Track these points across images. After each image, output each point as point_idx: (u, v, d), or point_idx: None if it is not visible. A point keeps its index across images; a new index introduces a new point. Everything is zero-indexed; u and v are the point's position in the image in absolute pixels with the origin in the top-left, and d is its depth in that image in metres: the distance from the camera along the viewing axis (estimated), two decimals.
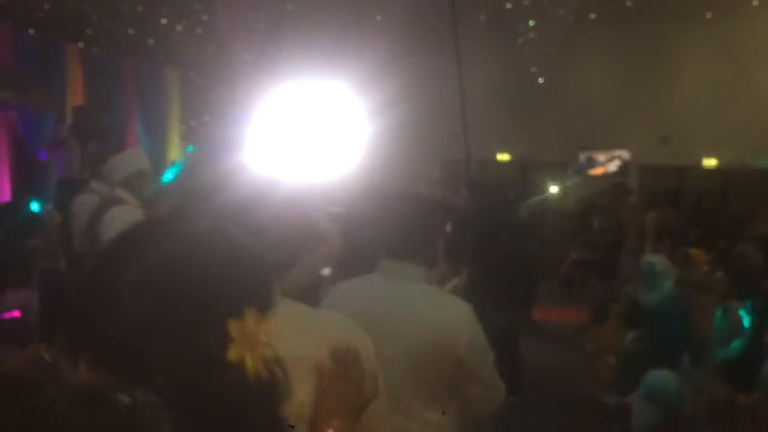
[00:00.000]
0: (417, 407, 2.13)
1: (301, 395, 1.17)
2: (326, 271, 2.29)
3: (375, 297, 2.18)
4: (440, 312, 2.19)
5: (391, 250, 2.24)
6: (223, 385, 0.77)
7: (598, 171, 13.44)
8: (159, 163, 9.82)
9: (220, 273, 0.82)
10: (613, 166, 13.40)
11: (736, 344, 4.02)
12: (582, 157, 13.48)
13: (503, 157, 13.72)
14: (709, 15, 11.45)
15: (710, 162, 12.76)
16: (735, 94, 12.13)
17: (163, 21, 9.73)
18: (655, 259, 5.05)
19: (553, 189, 12.36)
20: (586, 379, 6.00)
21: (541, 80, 9.56)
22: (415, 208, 2.31)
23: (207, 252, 0.84)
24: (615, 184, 11.95)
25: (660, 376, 4.04)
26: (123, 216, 3.87)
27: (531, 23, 8.94)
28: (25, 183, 7.31)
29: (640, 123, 12.53)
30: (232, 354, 0.77)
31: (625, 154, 13.29)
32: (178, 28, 9.92)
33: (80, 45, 9.31)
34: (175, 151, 10.55)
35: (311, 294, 1.68)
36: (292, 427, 1.10)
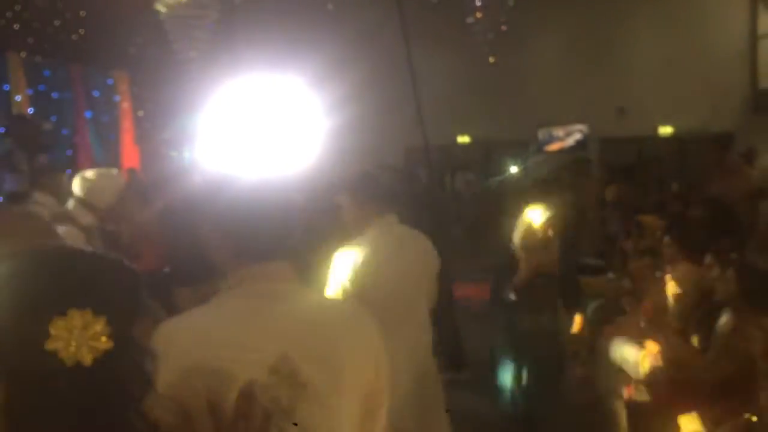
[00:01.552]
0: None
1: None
2: None
3: (393, 239, 3.14)
4: (425, 240, 3.32)
5: (382, 211, 3.13)
6: (45, 373, 0.97)
7: (555, 146, 13.52)
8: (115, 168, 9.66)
9: (43, 278, 1.03)
10: (571, 141, 13.50)
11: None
12: (541, 133, 13.55)
13: (463, 139, 13.74)
14: None
15: (666, 130, 12.93)
16: (687, 61, 12.29)
17: (107, 24, 9.54)
18: None
19: (514, 167, 12.44)
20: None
21: (492, 59, 9.56)
22: (394, 176, 3.62)
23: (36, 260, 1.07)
24: (575, 158, 12.06)
25: (615, 342, 4.07)
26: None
27: (478, 2, 8.90)
28: None
29: (596, 96, 12.62)
30: (47, 345, 0.96)
31: (583, 127, 13.39)
32: (124, 30, 9.73)
33: (22, 54, 9.09)
34: (130, 157, 10.38)
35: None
36: (295, 424, 1.33)
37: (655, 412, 3.44)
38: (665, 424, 3.38)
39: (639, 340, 3.98)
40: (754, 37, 12.58)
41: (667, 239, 4.38)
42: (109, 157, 10.06)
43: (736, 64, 12.51)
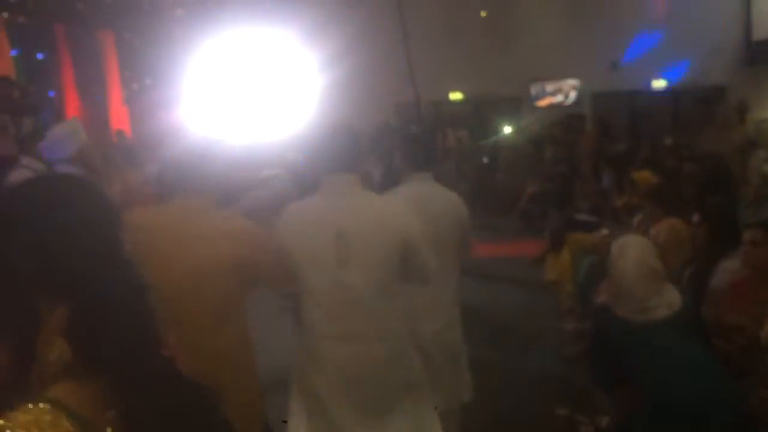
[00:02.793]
0: None
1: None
2: None
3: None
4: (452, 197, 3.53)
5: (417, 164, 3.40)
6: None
7: (548, 102, 13.41)
8: (102, 130, 9.55)
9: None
10: (561, 96, 13.39)
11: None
12: (534, 89, 13.43)
13: (456, 95, 13.62)
14: None
15: (660, 84, 12.84)
16: (681, 14, 12.15)
17: None
18: None
19: (508, 124, 12.37)
20: (546, 308, 6.09)
21: (483, 14, 9.41)
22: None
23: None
24: (569, 114, 11.99)
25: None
26: None
27: None
28: None
29: (589, 50, 12.49)
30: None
31: (576, 82, 13.28)
32: None
33: (5, 15, 8.88)
34: (118, 117, 10.25)
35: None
36: None
37: None
38: None
39: None
40: None
41: (647, 203, 4.39)
42: (97, 117, 9.93)
43: (730, 17, 12.36)
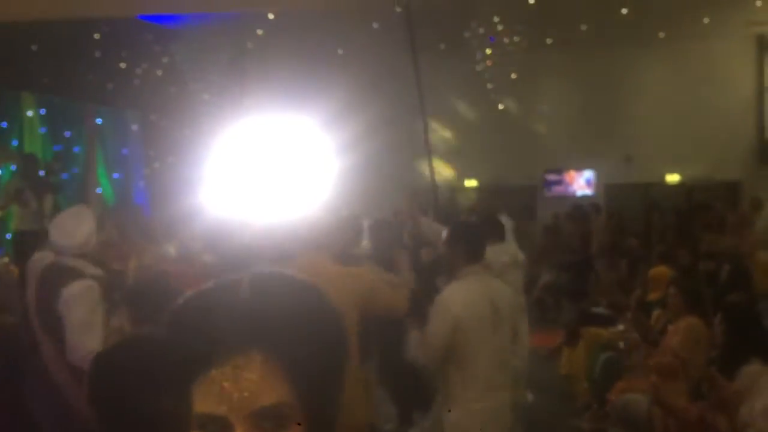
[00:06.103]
0: None
1: None
2: None
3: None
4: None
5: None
6: None
7: (559, 191, 13.50)
8: (123, 208, 9.68)
9: None
10: (575, 187, 13.50)
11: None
12: (548, 179, 13.57)
13: (470, 183, 13.78)
14: (662, 35, 11.69)
15: (673, 178, 12.96)
16: (694, 110, 12.39)
17: (122, 65, 9.66)
18: None
19: (521, 213, 12.42)
20: (561, 403, 5.95)
21: (501, 106, 9.64)
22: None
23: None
24: (582, 205, 12.08)
25: (629, 400, 4.01)
26: (84, 297, 3.43)
27: (488, 51, 9.03)
28: None
29: (603, 143, 12.69)
30: None
31: (591, 174, 13.42)
32: (138, 71, 9.85)
33: (37, 93, 9.19)
34: (140, 195, 10.42)
35: None
36: None
37: None
38: None
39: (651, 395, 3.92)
40: (760, 88, 12.71)
41: (672, 291, 4.34)
42: (118, 195, 10.10)
43: (742, 115, 12.61)
